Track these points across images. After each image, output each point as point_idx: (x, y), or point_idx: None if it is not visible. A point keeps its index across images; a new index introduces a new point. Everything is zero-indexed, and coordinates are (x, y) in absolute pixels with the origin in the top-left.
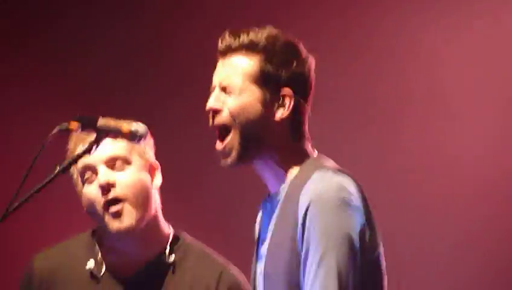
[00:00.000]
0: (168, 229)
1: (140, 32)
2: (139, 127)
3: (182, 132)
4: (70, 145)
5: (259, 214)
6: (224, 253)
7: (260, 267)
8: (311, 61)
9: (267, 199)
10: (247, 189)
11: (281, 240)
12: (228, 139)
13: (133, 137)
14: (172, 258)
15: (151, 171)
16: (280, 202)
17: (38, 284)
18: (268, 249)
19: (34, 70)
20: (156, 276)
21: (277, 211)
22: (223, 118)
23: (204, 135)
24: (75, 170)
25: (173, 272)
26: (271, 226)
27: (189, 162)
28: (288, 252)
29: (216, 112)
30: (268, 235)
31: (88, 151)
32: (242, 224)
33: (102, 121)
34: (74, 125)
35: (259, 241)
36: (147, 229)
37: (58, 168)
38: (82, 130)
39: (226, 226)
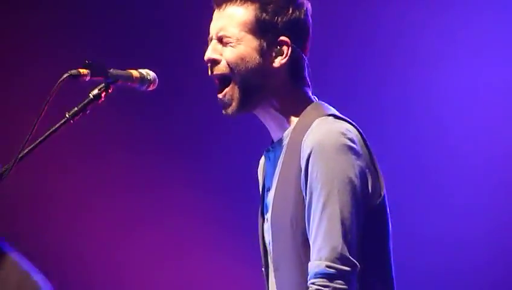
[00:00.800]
0: None
1: None
2: (149, 72)
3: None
4: None
5: (261, 162)
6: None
7: (267, 215)
8: (308, 7)
9: (270, 148)
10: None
11: (286, 188)
12: (228, 89)
13: (143, 82)
14: None
15: None
16: (283, 150)
17: None
18: (274, 197)
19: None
20: None
21: (281, 159)
22: (221, 68)
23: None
24: None
25: None
26: (275, 175)
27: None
28: (292, 200)
29: (214, 62)
30: (273, 183)
31: (98, 97)
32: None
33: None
34: (84, 71)
35: (264, 190)
36: None
37: (67, 115)
38: (91, 76)
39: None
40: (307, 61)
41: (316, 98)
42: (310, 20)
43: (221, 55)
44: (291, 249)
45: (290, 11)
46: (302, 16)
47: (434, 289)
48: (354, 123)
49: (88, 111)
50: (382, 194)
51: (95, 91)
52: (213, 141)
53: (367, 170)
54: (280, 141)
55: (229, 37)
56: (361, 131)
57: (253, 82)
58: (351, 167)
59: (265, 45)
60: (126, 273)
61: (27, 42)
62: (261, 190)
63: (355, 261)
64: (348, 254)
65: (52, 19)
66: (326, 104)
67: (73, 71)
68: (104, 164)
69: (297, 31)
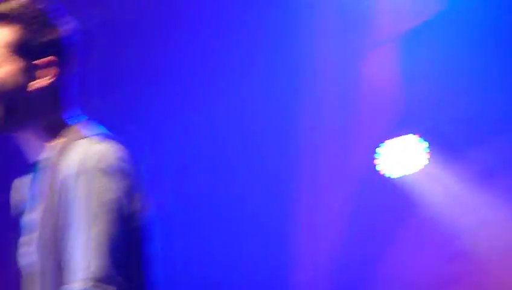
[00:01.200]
0: None
1: None
2: None
3: None
4: None
5: (16, 185)
6: None
7: (24, 238)
8: (73, 26)
9: (28, 171)
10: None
11: (45, 211)
12: None
13: None
14: None
15: None
16: (42, 173)
17: None
18: (34, 220)
19: None
20: None
21: (39, 183)
22: None
23: None
24: None
25: None
26: (34, 197)
27: None
28: (52, 222)
29: None
30: (32, 206)
31: None
32: None
33: None
34: None
35: (21, 213)
36: None
37: None
38: None
39: None
40: (77, 81)
41: (86, 117)
42: (76, 40)
43: None
44: (52, 271)
45: (52, 32)
46: (65, 37)
47: None
48: (119, 142)
49: None
50: (145, 216)
51: None
52: None
53: (126, 192)
54: (39, 163)
55: None
56: (126, 150)
57: (14, 103)
58: (108, 189)
59: (26, 66)
60: None
61: None
62: (16, 214)
63: (112, 282)
64: (103, 275)
65: None
66: (93, 125)
67: None
68: None
69: (60, 52)
